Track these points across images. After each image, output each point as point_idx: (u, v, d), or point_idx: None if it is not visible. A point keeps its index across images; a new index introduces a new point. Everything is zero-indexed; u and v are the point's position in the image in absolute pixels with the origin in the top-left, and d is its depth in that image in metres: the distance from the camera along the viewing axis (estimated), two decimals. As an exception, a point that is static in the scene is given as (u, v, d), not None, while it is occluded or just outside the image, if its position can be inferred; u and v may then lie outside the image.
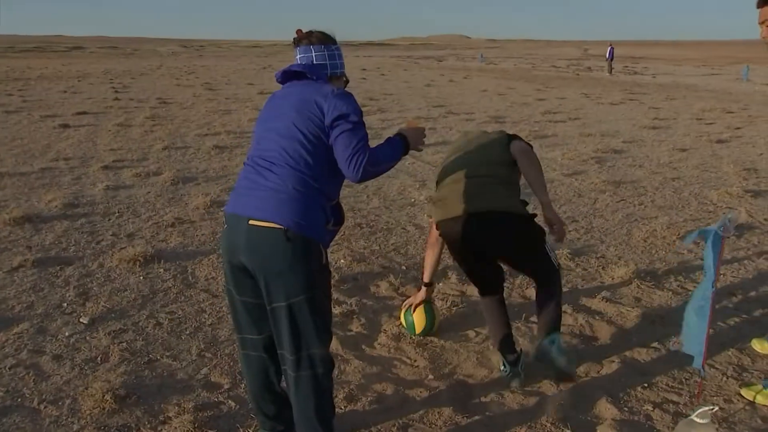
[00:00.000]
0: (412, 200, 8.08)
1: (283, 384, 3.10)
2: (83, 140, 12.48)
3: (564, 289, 5.22)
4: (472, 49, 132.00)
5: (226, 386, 3.88)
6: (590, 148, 12.03)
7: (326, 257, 2.90)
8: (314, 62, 3.05)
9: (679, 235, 6.74)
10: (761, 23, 3.58)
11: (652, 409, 3.68)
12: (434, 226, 4.06)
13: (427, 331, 4.50)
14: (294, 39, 3.14)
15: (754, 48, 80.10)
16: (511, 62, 61.59)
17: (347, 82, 3.21)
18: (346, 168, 2.76)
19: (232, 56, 74.09)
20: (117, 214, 7.37)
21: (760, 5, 3.55)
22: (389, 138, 3.03)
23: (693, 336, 3.38)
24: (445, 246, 4.15)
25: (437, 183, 4.17)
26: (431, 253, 4.39)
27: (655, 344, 4.41)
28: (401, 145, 3.02)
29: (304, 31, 3.13)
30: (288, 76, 3.07)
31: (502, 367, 4.02)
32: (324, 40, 3.10)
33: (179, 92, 23.41)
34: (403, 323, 4.58)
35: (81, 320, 4.71)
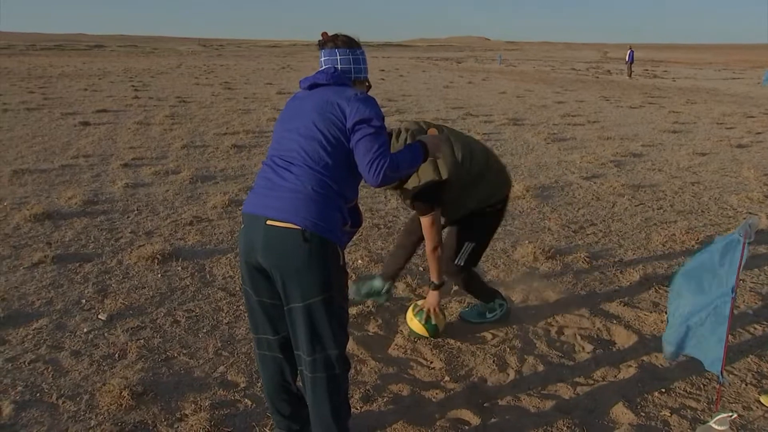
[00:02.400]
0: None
1: (299, 384, 3.11)
2: (103, 138, 12.55)
3: (581, 293, 5.25)
4: (491, 51, 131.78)
5: (242, 385, 3.89)
6: (609, 151, 11.98)
7: (343, 258, 2.90)
8: (339, 66, 3.07)
9: (698, 239, 6.69)
10: None
11: (669, 414, 3.66)
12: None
13: (434, 333, 4.49)
14: (319, 41, 3.15)
15: None
16: (530, 64, 61.40)
17: (369, 86, 3.21)
18: (367, 172, 2.76)
19: (251, 56, 74.32)
20: (136, 212, 7.41)
21: None
22: (409, 144, 3.05)
23: (708, 341, 3.35)
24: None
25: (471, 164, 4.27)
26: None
27: (673, 349, 4.37)
28: (421, 151, 3.02)
29: (329, 33, 3.15)
30: (314, 86, 3.07)
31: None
32: (349, 43, 3.11)
33: (198, 91, 23.51)
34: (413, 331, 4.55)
35: (99, 317, 4.73)
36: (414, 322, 4.48)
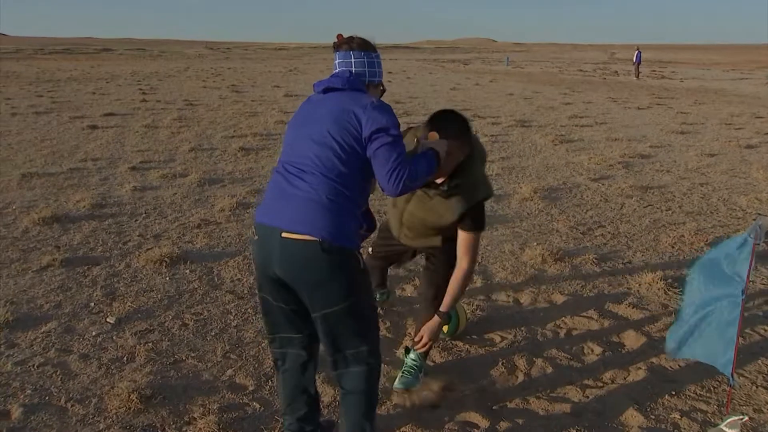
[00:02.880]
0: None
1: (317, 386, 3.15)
2: (111, 141, 12.59)
3: (590, 294, 5.23)
4: (498, 53, 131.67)
5: (251, 388, 3.89)
6: (617, 152, 11.95)
7: (363, 262, 2.89)
8: (353, 68, 3.02)
9: (707, 241, 6.67)
10: None
11: (679, 417, 3.64)
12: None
13: (454, 330, 4.49)
14: (334, 43, 3.11)
15: None
16: (537, 66, 61.34)
17: (384, 90, 3.19)
18: (386, 182, 2.72)
19: (258, 58, 74.46)
20: (144, 215, 7.42)
21: None
22: (422, 152, 3.00)
23: (717, 343, 3.34)
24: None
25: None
26: None
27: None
28: (435, 159, 2.99)
29: (344, 36, 3.11)
30: (328, 90, 3.01)
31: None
32: (364, 46, 3.07)
33: (206, 94, 23.55)
34: None
35: (108, 320, 4.74)
36: None
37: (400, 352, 4.35)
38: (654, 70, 52.59)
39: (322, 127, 2.81)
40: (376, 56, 3.11)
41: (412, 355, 3.99)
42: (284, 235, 2.73)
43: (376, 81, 3.09)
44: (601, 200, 8.45)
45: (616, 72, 49.31)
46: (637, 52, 44.35)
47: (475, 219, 3.62)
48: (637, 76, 41.65)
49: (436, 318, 3.72)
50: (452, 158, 3.33)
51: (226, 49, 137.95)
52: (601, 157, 11.44)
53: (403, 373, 3.93)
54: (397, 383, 3.88)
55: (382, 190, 2.76)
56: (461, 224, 3.61)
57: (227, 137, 13.21)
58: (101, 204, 7.84)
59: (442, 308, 3.71)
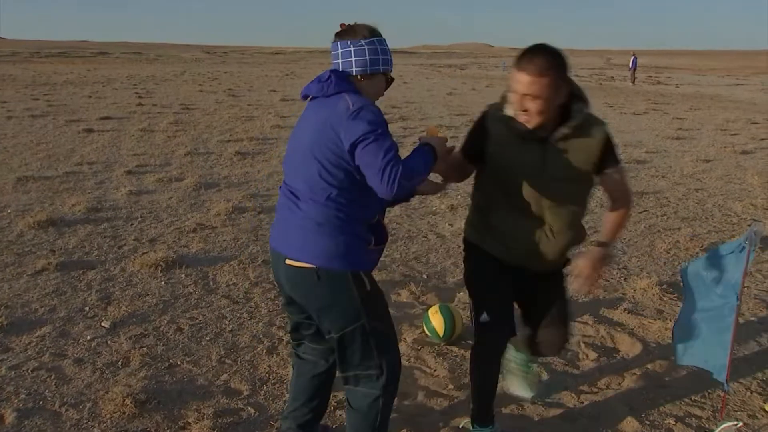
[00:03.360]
0: (434, 209, 8.06)
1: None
2: (107, 145, 12.58)
3: (585, 300, 5.24)
4: (495, 58, 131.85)
5: (245, 393, 3.88)
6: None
7: (370, 283, 2.78)
8: (340, 60, 2.76)
9: (702, 246, 6.68)
10: None
11: (674, 423, 3.65)
12: None
13: (450, 334, 4.50)
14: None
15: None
16: (533, 71, 61.38)
17: (389, 80, 2.90)
18: (378, 184, 2.48)
19: (254, 63, 74.47)
20: (139, 219, 7.42)
21: None
22: (416, 148, 2.75)
23: (712, 349, 3.35)
24: None
25: None
26: None
27: (677, 357, 4.36)
28: (431, 154, 2.75)
29: (347, 25, 2.85)
30: (309, 97, 2.85)
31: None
32: (351, 33, 2.79)
33: (202, 98, 23.54)
34: (426, 331, 4.57)
35: (103, 324, 4.73)
36: (437, 317, 4.51)
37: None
38: (650, 76, 52.69)
39: (306, 147, 2.69)
40: (368, 42, 2.76)
41: (512, 353, 3.73)
42: (287, 262, 2.73)
43: (367, 71, 2.76)
44: (596, 205, 8.43)
45: (612, 77, 49.39)
46: (633, 57, 44.41)
47: (615, 151, 3.13)
48: (633, 82, 41.72)
49: (599, 249, 3.16)
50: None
51: (223, 53, 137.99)
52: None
53: (519, 375, 3.72)
54: (524, 391, 3.71)
55: (379, 195, 2.58)
56: (602, 165, 3.06)
57: (223, 141, 13.20)
58: (97, 208, 7.83)
59: (604, 238, 3.23)
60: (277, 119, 16.96)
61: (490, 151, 3.09)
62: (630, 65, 43.96)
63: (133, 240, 6.66)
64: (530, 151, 2.98)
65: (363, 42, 2.75)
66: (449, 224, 7.32)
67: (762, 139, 14.88)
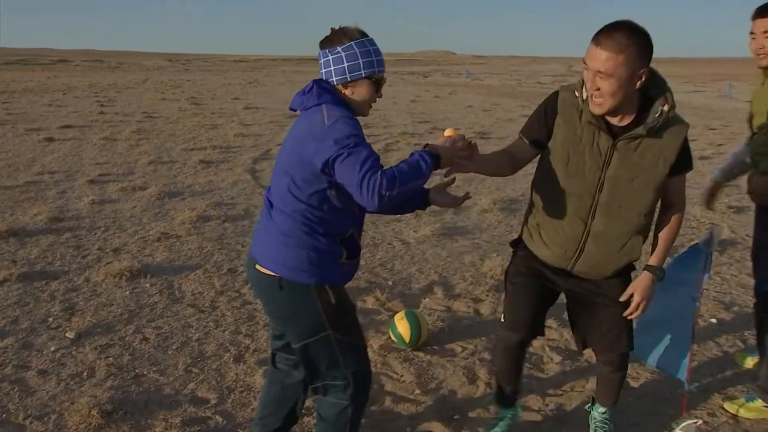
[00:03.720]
0: (398, 216, 8.10)
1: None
2: (69, 154, 12.43)
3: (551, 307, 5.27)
4: (457, 65, 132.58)
5: (213, 401, 3.88)
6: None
7: (335, 296, 2.74)
8: (323, 70, 2.69)
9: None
10: (751, 34, 3.59)
11: (637, 422, 3.73)
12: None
13: (416, 340, 4.53)
14: None
15: (742, 65, 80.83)
16: (496, 78, 61.84)
17: (377, 82, 2.74)
18: (359, 197, 2.39)
19: (217, 71, 74.00)
20: (103, 228, 7.35)
21: (755, 17, 3.56)
22: (413, 152, 2.54)
23: (671, 349, 3.43)
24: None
25: None
26: None
27: (639, 359, 4.43)
28: (428, 159, 2.50)
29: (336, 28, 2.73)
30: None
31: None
32: (330, 42, 2.69)
33: (165, 106, 23.36)
34: (392, 337, 4.60)
35: (67, 335, 4.69)
36: (402, 323, 4.53)
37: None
38: (610, 83, 53.30)
39: (284, 160, 2.68)
40: (344, 48, 2.65)
41: (600, 410, 3.53)
42: (257, 266, 2.75)
43: (348, 78, 2.66)
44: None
45: (574, 84, 49.90)
46: (593, 64, 44.94)
47: (690, 155, 2.97)
48: (594, 89, 42.16)
49: (647, 274, 3.02)
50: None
51: (186, 61, 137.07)
52: (560, 168, 11.57)
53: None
54: None
55: (367, 208, 2.59)
56: (676, 168, 2.87)
57: (187, 150, 13.12)
58: (59, 218, 7.75)
59: (653, 261, 3.04)
60: (240, 127, 16.89)
61: (554, 136, 2.94)
62: (591, 72, 44.47)
63: (97, 250, 6.61)
64: (597, 142, 2.82)
65: (339, 49, 2.64)
66: (414, 231, 7.36)
67: (719, 145, 15.14)
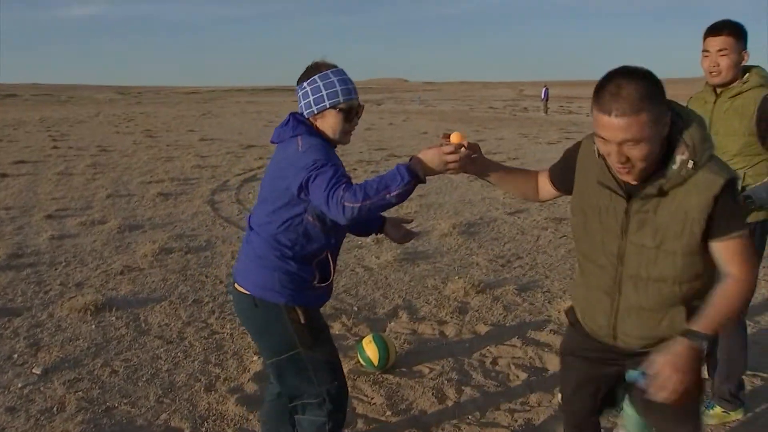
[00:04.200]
0: (360, 242, 8.17)
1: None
2: (23, 189, 12.30)
3: (512, 324, 5.42)
4: (410, 92, 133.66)
5: (186, 430, 3.89)
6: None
7: (305, 316, 2.86)
8: (301, 104, 2.84)
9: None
10: (704, 52, 3.71)
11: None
12: None
13: (385, 363, 4.59)
14: None
15: (692, 84, 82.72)
16: (448, 104, 62.54)
17: (345, 110, 2.82)
18: (329, 211, 2.55)
19: (170, 103, 73.70)
20: (64, 264, 7.30)
21: (708, 35, 3.68)
22: (396, 165, 2.58)
23: None
24: None
25: None
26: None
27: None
28: (404, 174, 2.51)
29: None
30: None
31: None
32: (304, 75, 2.83)
33: (119, 140, 23.20)
34: (361, 361, 4.66)
35: (34, 371, 4.66)
36: (371, 347, 4.60)
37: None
38: (562, 106, 54.31)
39: (265, 186, 2.85)
40: (309, 83, 2.79)
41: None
42: (235, 285, 2.93)
43: (314, 111, 2.80)
44: (517, 233, 8.72)
45: (526, 108, 50.73)
46: (544, 88, 45.86)
47: (735, 214, 2.27)
48: (546, 112, 42.97)
49: (683, 341, 2.25)
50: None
51: (138, 93, 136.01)
52: (516, 191, 11.77)
53: None
54: None
55: (339, 222, 2.61)
56: (714, 231, 2.26)
57: (144, 183, 13.06)
58: (18, 254, 7.67)
59: (695, 326, 2.27)
60: (197, 159, 16.88)
61: (574, 191, 2.58)
62: (542, 96, 45.33)
63: (59, 285, 6.56)
64: (613, 204, 2.37)
65: (306, 83, 2.79)
66: (376, 257, 7.44)
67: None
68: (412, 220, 3.27)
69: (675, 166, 2.22)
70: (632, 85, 2.10)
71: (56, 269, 7.11)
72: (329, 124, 2.81)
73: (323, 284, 2.92)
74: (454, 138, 2.63)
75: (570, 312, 2.80)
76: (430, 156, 2.56)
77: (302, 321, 2.85)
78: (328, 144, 2.77)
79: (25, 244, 8.15)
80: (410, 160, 2.58)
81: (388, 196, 2.49)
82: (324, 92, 2.76)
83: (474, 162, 2.67)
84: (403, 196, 2.52)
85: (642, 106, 2.08)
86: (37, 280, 6.71)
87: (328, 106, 2.76)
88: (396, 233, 3.25)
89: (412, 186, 2.52)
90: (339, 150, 3.00)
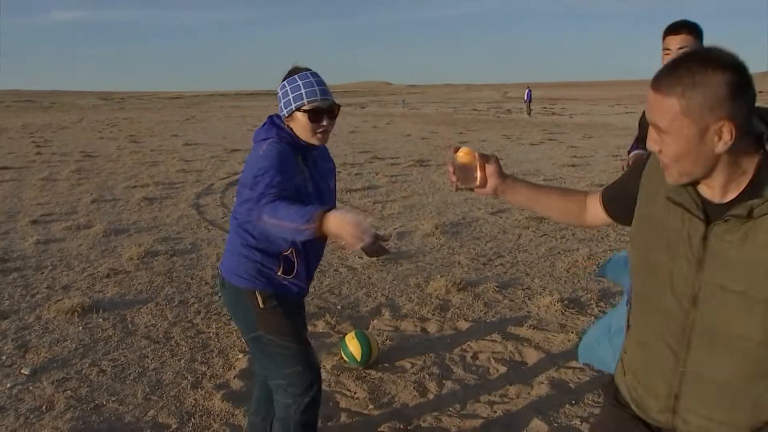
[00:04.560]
0: (342, 243, 8.25)
1: None
2: (7, 195, 12.32)
3: (493, 320, 5.53)
4: (394, 95, 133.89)
5: (174, 426, 3.98)
6: (512, 186, 12.45)
7: (265, 302, 3.01)
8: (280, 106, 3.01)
9: (599, 264, 7.11)
10: (665, 50, 3.86)
11: (579, 423, 3.94)
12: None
13: (367, 358, 4.70)
14: None
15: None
16: (432, 107, 62.76)
17: (310, 111, 2.89)
18: (252, 214, 2.75)
19: (153, 108, 73.51)
20: (50, 267, 7.36)
21: (668, 34, 3.83)
22: (314, 207, 2.58)
23: (608, 351, 3.67)
24: None
25: None
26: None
27: (580, 365, 4.67)
28: (310, 217, 2.50)
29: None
30: None
31: None
32: (282, 80, 3.00)
33: (103, 145, 23.20)
34: (344, 357, 4.76)
35: (22, 371, 4.73)
36: (353, 342, 4.70)
37: None
38: (545, 107, 54.64)
39: (240, 183, 3.00)
40: (280, 88, 2.97)
41: None
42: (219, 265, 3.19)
43: (285, 114, 2.95)
44: (499, 232, 8.85)
45: (509, 110, 51.01)
46: (527, 90, 46.14)
47: None
48: (529, 114, 43.24)
49: None
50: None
51: (121, 99, 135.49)
52: (498, 191, 11.91)
53: None
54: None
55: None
56: None
57: (129, 187, 13.12)
58: (4, 258, 7.72)
59: None
60: (182, 163, 16.94)
61: (635, 216, 1.97)
62: (525, 98, 45.61)
63: (46, 288, 6.63)
64: (687, 228, 1.75)
65: (279, 89, 2.98)
66: (359, 257, 7.53)
67: (650, 163, 15.74)
68: (389, 238, 3.40)
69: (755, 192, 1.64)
70: (681, 62, 1.62)
71: (43, 273, 7.17)
72: (299, 125, 2.94)
73: (288, 276, 3.04)
74: (462, 156, 2.20)
75: (609, 387, 2.16)
76: (340, 221, 2.46)
77: (261, 306, 3.02)
78: (289, 151, 2.88)
79: (11, 249, 8.20)
80: (327, 210, 2.50)
81: (287, 226, 2.56)
82: (291, 96, 2.92)
83: (493, 178, 2.23)
84: (297, 235, 2.56)
85: (673, 91, 1.60)
86: (24, 284, 6.77)
87: (294, 108, 2.91)
88: (370, 246, 3.21)
89: (306, 232, 2.51)
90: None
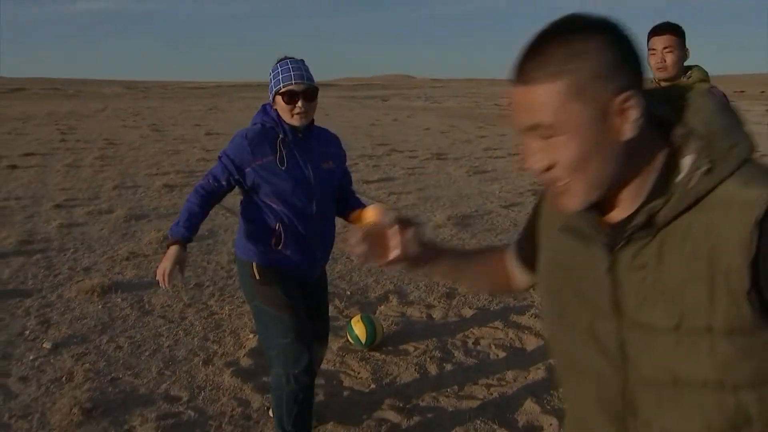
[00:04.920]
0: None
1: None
2: (33, 180, 12.63)
3: (497, 308, 5.71)
4: (416, 89, 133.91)
5: (185, 398, 4.21)
6: (527, 181, 12.58)
7: (260, 274, 3.34)
8: None
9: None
10: (651, 50, 4.07)
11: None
12: None
13: (372, 340, 4.90)
14: None
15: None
16: (455, 101, 62.72)
17: (286, 94, 3.21)
18: None
19: (177, 98, 74.01)
20: (72, 250, 7.62)
21: (654, 35, 4.03)
22: (192, 213, 3.32)
23: None
24: None
25: None
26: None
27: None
28: (174, 230, 3.34)
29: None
30: None
31: None
32: None
33: (126, 133, 23.51)
34: (350, 339, 4.97)
35: (44, 345, 4.98)
36: (359, 325, 4.91)
37: None
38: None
39: None
40: (272, 68, 3.32)
41: None
42: None
43: (271, 98, 3.32)
44: (510, 225, 9.01)
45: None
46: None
47: None
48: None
49: None
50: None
51: (145, 88, 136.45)
52: (512, 185, 12.10)
53: None
54: None
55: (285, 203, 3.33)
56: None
57: (150, 175, 13.38)
58: (28, 240, 8.00)
59: None
60: (203, 153, 17.19)
61: (539, 262, 1.59)
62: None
63: (68, 269, 6.89)
64: (590, 260, 1.35)
65: (270, 69, 3.34)
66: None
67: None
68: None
69: (680, 176, 1.22)
70: (552, 37, 1.20)
71: (65, 255, 7.43)
72: (280, 107, 3.27)
73: (279, 249, 3.34)
74: (369, 214, 1.86)
75: None
76: (168, 256, 3.26)
77: (257, 277, 3.35)
78: (261, 135, 3.29)
79: (35, 232, 8.47)
80: (184, 241, 3.29)
81: (183, 212, 3.34)
82: (272, 82, 3.28)
83: (407, 248, 1.61)
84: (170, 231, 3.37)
85: (557, 69, 1.18)
86: (47, 265, 7.03)
87: (272, 93, 3.27)
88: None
89: (169, 240, 3.33)
90: (343, 145, 3.48)
